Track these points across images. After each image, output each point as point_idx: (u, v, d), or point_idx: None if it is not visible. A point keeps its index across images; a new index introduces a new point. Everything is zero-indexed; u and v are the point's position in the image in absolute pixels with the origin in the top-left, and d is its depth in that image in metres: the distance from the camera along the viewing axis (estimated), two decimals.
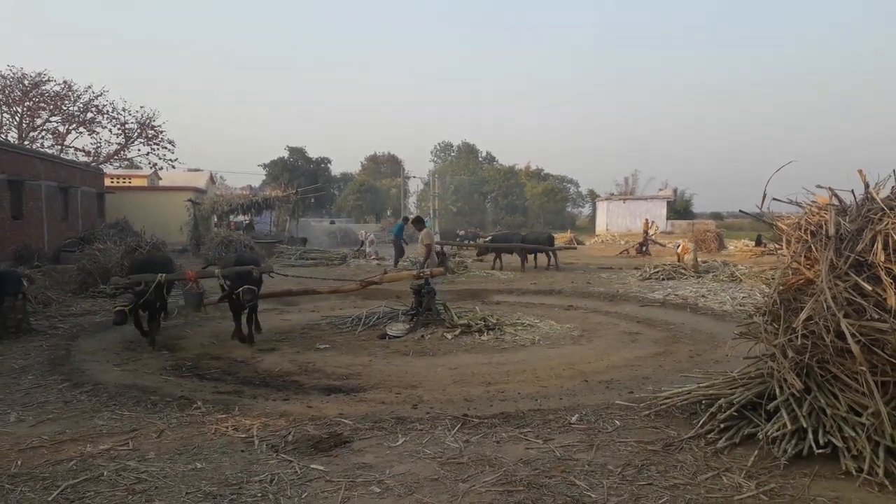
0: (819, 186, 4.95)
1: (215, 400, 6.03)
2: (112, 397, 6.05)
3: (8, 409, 5.75)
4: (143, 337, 8.66)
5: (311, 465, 4.32)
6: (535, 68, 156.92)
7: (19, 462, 4.40)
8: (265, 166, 75.45)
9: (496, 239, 23.04)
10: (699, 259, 17.83)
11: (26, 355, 7.97)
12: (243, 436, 4.93)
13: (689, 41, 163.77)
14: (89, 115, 39.10)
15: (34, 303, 10.91)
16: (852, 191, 4.80)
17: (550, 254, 21.03)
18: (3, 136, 36.03)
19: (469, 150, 78.26)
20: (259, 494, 3.86)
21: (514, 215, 64.27)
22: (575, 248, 30.42)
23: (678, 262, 18.17)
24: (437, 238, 26.54)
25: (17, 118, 37.41)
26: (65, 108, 38.43)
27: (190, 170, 48.73)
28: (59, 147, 38.43)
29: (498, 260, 20.90)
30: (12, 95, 36.69)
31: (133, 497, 3.83)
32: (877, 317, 4.12)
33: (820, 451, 4.14)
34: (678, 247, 19.12)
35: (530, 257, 21.09)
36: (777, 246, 5.26)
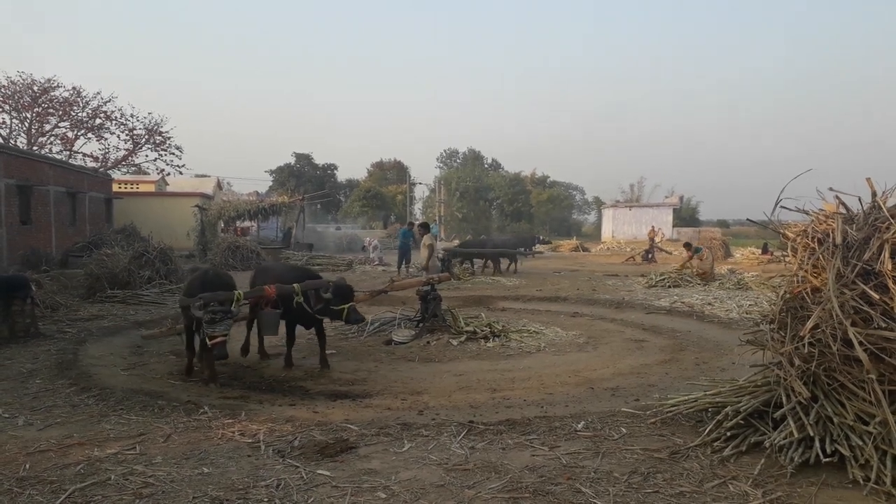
0: (831, 189, 4.93)
1: (222, 405, 6.05)
2: (119, 402, 6.08)
3: (16, 412, 5.78)
4: (190, 372, 7.38)
5: (318, 471, 4.32)
6: (541, 75, 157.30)
7: (27, 466, 4.42)
8: (272, 172, 75.97)
9: (469, 244, 23.05)
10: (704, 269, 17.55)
11: (34, 359, 8.01)
12: (250, 441, 4.94)
13: (697, 49, 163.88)
14: (98, 120, 39.41)
15: (42, 307, 10.96)
16: (859, 198, 4.79)
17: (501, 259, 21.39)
18: (12, 141, 36.29)
19: (475, 157, 78.41)
20: (265, 499, 3.87)
21: (520, 222, 64.20)
22: (542, 254, 30.18)
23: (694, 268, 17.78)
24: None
25: (26, 124, 37.70)
26: (73, 113, 38.71)
27: (197, 175, 48.92)
28: (68, 152, 38.71)
29: (469, 264, 20.85)
30: (22, 101, 36.99)
31: (140, 501, 3.84)
32: (884, 325, 4.11)
33: (827, 459, 4.13)
34: (700, 251, 18.32)
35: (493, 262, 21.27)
36: (784, 254, 5.25)
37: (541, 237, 35.66)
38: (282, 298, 7.51)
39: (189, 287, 7.29)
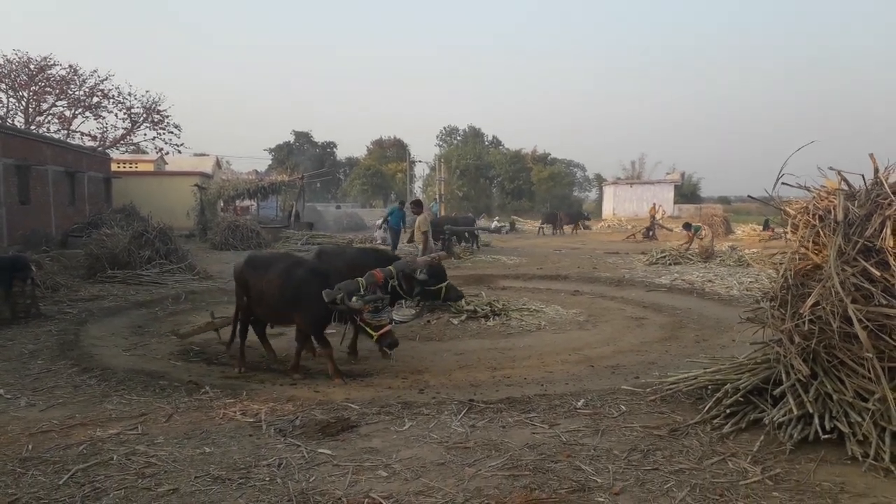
0: (831, 168, 4.90)
1: (223, 385, 6.08)
2: (121, 382, 6.10)
3: (18, 393, 5.80)
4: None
5: (319, 450, 4.35)
6: (541, 51, 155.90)
7: (30, 446, 4.45)
8: (271, 151, 75.62)
9: (434, 223, 22.95)
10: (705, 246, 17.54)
11: (36, 340, 8.02)
12: (251, 420, 4.97)
13: (696, 25, 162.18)
14: (95, 99, 39.12)
15: (43, 288, 10.96)
16: (862, 175, 4.75)
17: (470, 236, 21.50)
18: (9, 120, 36.06)
19: (475, 134, 77.86)
20: (267, 478, 3.89)
21: (521, 200, 64.00)
22: (499, 233, 30.13)
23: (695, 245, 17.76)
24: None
25: (23, 103, 37.44)
26: (70, 92, 38.42)
27: (196, 154, 48.64)
28: (66, 132, 38.49)
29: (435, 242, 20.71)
30: (18, 80, 36.70)
31: (142, 481, 3.87)
32: (885, 302, 4.10)
33: (826, 436, 4.14)
34: (699, 230, 18.25)
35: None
36: (785, 231, 5.22)
37: (588, 214, 39.26)
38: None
39: (291, 277, 6.48)
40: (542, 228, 33.58)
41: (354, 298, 6.07)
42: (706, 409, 4.87)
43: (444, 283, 7.39)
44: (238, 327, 7.08)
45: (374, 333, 6.13)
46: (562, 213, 36.00)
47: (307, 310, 6.35)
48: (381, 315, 6.12)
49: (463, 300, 9.75)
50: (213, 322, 7.90)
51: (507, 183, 66.18)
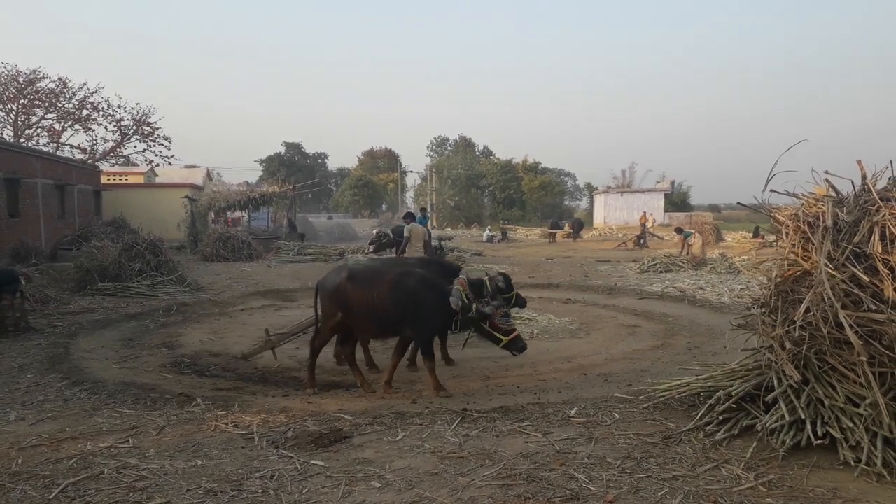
0: (826, 172, 4.92)
1: (215, 397, 6.04)
2: (111, 395, 6.05)
3: (8, 407, 5.74)
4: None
5: (312, 461, 4.32)
6: (531, 62, 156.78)
7: (20, 461, 4.39)
8: (262, 162, 75.59)
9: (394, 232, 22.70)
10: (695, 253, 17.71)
11: (25, 354, 7.95)
12: (243, 432, 4.93)
13: (686, 35, 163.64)
14: (84, 112, 39.08)
15: (32, 301, 10.86)
16: (851, 181, 4.79)
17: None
18: None
19: (466, 144, 78.11)
20: (260, 490, 3.87)
21: (512, 209, 64.17)
22: (449, 240, 30.10)
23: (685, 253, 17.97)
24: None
25: (12, 116, 37.35)
26: (60, 105, 38.37)
27: (186, 166, 48.50)
28: (55, 144, 38.39)
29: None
30: (7, 93, 36.63)
31: (134, 494, 3.83)
32: (874, 308, 4.13)
33: (818, 442, 4.16)
34: (689, 235, 18.51)
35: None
36: (775, 238, 5.26)
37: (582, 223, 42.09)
38: None
39: (404, 286, 6.22)
40: (573, 232, 35.53)
41: (476, 304, 6.03)
42: (699, 416, 4.88)
43: (513, 292, 7.50)
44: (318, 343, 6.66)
45: (504, 338, 6.04)
46: (573, 221, 39.94)
47: (423, 319, 6.15)
48: (509, 320, 6.14)
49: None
50: (271, 340, 7.57)
51: (498, 192, 66.32)
